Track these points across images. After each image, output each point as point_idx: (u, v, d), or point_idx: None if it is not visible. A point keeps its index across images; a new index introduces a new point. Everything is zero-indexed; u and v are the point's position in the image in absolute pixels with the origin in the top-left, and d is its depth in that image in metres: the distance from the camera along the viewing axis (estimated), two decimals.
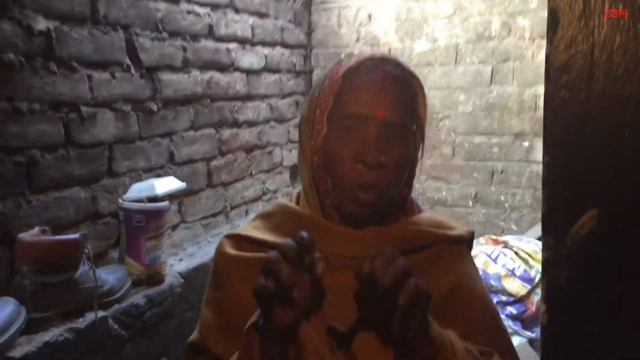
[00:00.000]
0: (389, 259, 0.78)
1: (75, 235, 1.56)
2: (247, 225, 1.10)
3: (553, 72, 1.10)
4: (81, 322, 1.58)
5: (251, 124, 2.77)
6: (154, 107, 2.09)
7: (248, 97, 2.74)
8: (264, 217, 1.10)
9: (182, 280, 1.98)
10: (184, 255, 2.19)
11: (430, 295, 0.81)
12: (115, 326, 1.69)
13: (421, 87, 1.02)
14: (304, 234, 0.79)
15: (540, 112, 2.93)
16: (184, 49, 2.26)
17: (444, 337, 0.87)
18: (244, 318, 0.93)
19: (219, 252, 1.08)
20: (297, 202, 1.10)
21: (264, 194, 2.91)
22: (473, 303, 1.03)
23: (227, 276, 1.05)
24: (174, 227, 2.26)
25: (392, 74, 0.98)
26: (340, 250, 0.99)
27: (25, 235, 1.53)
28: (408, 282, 0.77)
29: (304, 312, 0.86)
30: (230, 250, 1.05)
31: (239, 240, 1.06)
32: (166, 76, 2.16)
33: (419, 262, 1.02)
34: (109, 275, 1.73)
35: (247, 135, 2.74)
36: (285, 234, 0.81)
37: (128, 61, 1.97)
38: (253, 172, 2.81)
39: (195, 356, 1.06)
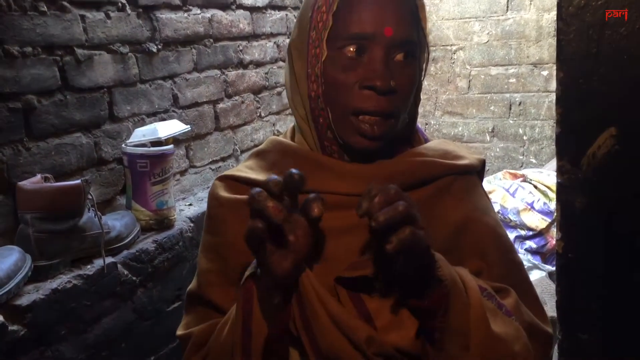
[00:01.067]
0: (390, 199, 0.71)
1: (77, 182, 1.52)
2: (241, 165, 1.04)
3: None
4: (89, 269, 1.56)
5: (258, 64, 2.69)
6: (154, 49, 2.02)
7: (253, 36, 2.64)
8: (258, 155, 1.03)
9: (192, 224, 1.95)
10: (194, 200, 2.16)
11: (427, 247, 0.76)
12: (126, 272, 1.67)
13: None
14: (294, 170, 0.73)
15: None
16: None
17: (454, 278, 0.82)
18: (242, 263, 0.90)
19: (212, 196, 1.01)
20: (292, 138, 1.02)
21: (274, 136, 2.85)
22: (485, 237, 0.96)
23: (222, 221, 0.99)
24: (183, 172, 2.23)
25: None
26: (344, 188, 0.92)
27: (26, 183, 1.50)
28: (403, 229, 0.71)
29: (304, 257, 0.81)
30: (224, 193, 0.99)
31: (232, 182, 1.00)
32: (165, 15, 2.07)
33: (428, 195, 0.96)
34: (116, 222, 1.70)
35: (254, 76, 2.66)
36: (282, 173, 0.74)
37: (123, 0, 1.89)
38: (262, 114, 2.75)
39: (194, 306, 1.02)
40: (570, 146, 1.04)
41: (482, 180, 1.08)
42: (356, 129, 0.88)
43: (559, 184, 1.07)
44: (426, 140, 1.05)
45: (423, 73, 0.97)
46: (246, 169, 1.02)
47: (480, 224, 0.97)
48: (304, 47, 0.91)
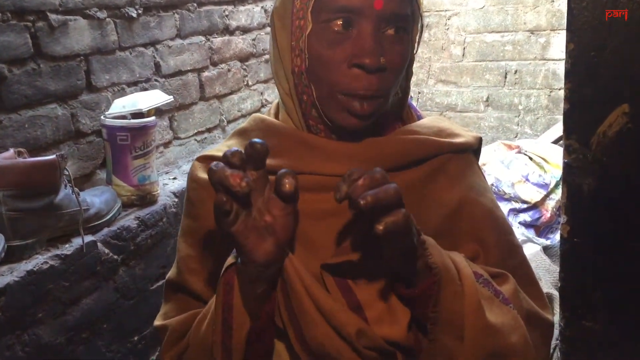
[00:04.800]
0: (376, 183, 0.66)
1: (52, 157, 1.44)
2: (222, 145, 0.97)
3: None
4: (67, 248, 1.49)
5: (245, 30, 2.57)
6: (133, 13, 1.90)
7: (240, 1, 2.52)
8: (240, 134, 0.96)
9: (176, 199, 1.87)
10: (178, 174, 2.07)
11: (416, 231, 0.72)
12: (106, 250, 1.60)
13: None
14: (256, 139, 0.67)
15: (558, 4, 2.69)
16: None
17: (447, 264, 0.76)
18: (223, 249, 0.84)
19: (191, 177, 0.94)
20: (277, 115, 0.95)
21: (262, 105, 2.76)
22: (482, 219, 0.90)
23: (201, 204, 0.92)
24: (167, 144, 2.14)
25: None
26: (332, 168, 0.85)
27: None
28: (396, 211, 0.66)
29: (285, 239, 0.74)
30: (203, 174, 0.92)
31: (212, 162, 0.93)
32: None
33: (421, 176, 0.90)
34: (95, 198, 1.62)
35: (240, 42, 2.55)
36: None
37: None
38: (250, 83, 2.65)
39: (174, 294, 0.95)
40: (579, 124, 0.98)
41: (478, 159, 1.02)
42: (344, 107, 0.81)
43: (565, 164, 1.00)
44: (419, 117, 0.98)
45: (416, 46, 0.89)
46: (227, 148, 0.94)
47: (477, 205, 0.91)
48: (287, 17, 0.83)
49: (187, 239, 0.96)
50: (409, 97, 0.98)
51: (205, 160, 0.95)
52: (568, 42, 0.94)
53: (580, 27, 0.92)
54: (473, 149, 0.97)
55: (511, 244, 0.95)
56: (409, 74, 0.92)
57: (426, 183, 0.90)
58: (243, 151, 0.68)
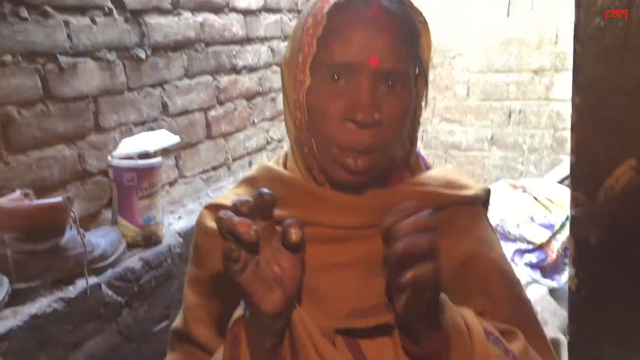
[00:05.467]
0: (421, 227, 0.67)
1: (58, 199, 1.44)
2: (230, 193, 0.97)
3: None
4: (71, 291, 1.48)
5: (251, 69, 2.60)
6: (142, 55, 1.93)
7: (247, 40, 2.56)
8: (248, 182, 0.96)
9: (181, 240, 1.87)
10: (183, 213, 2.08)
11: (438, 291, 0.72)
12: (110, 292, 1.59)
13: (424, 23, 0.85)
14: (264, 190, 0.68)
15: (562, 45, 2.72)
16: None
17: (458, 322, 0.75)
18: (230, 299, 0.83)
19: (199, 225, 0.94)
20: (285, 164, 0.95)
21: (268, 143, 2.77)
22: (491, 274, 0.90)
23: (208, 252, 0.92)
24: (172, 183, 2.14)
25: (389, 9, 0.80)
26: (337, 220, 0.85)
27: (4, 200, 1.41)
28: (426, 263, 0.66)
29: (294, 291, 0.74)
30: (211, 223, 0.92)
31: (220, 210, 0.93)
32: (154, 20, 1.99)
33: None
34: (100, 239, 1.62)
35: (247, 81, 2.58)
36: None
37: (110, 4, 1.80)
38: (255, 121, 2.67)
39: (180, 344, 0.95)
40: (585, 177, 0.97)
41: (487, 211, 1.02)
42: (339, 162, 0.81)
43: (572, 217, 1.00)
44: (427, 167, 0.98)
45: (424, 99, 0.90)
46: (235, 197, 0.95)
47: (486, 259, 0.91)
48: (292, 70, 0.84)
49: (194, 288, 0.95)
50: (416, 147, 0.98)
51: (214, 208, 0.95)
52: (574, 95, 0.95)
53: (587, 83, 0.93)
54: (482, 201, 0.97)
55: (520, 299, 0.94)
56: (415, 126, 0.92)
57: None
58: (247, 199, 0.68)
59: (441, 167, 1.00)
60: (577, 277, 1.00)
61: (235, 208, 0.67)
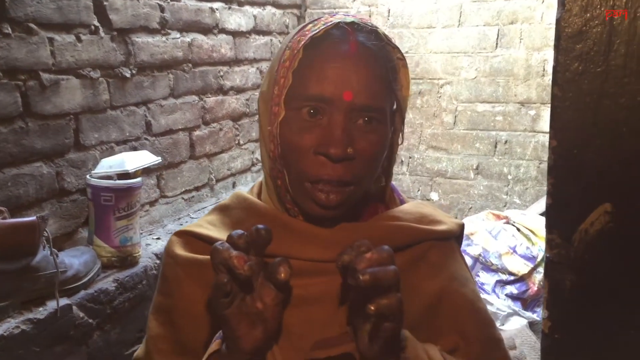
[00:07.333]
0: (382, 261, 0.66)
1: (32, 218, 1.41)
2: (202, 220, 0.95)
3: (565, 41, 0.93)
4: (41, 312, 1.45)
5: (239, 90, 2.60)
6: (127, 73, 1.92)
7: (235, 61, 2.56)
8: (221, 210, 0.94)
9: (157, 261, 1.84)
10: (162, 234, 2.05)
11: (401, 323, 0.70)
12: (81, 314, 1.56)
13: (402, 60, 0.85)
14: (261, 225, 0.67)
15: (549, 78, 2.74)
16: (161, 9, 2.07)
17: (421, 358, 0.74)
18: (197, 331, 0.82)
19: (167, 253, 0.92)
20: (259, 194, 0.94)
21: (253, 164, 2.76)
22: (463, 311, 0.89)
23: (177, 282, 0.89)
24: (153, 203, 2.12)
25: (365, 45, 0.80)
26: (307, 253, 0.84)
27: None
28: (392, 294, 0.66)
29: (275, 328, 0.72)
30: (181, 251, 0.90)
31: (190, 238, 0.91)
32: (141, 39, 1.98)
33: (402, 263, 0.88)
34: (74, 259, 1.59)
35: (234, 102, 2.57)
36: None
37: (96, 22, 1.79)
38: (241, 142, 2.66)
39: None
40: (561, 220, 0.97)
41: (460, 245, 1.01)
42: (310, 196, 0.80)
43: (548, 259, 0.99)
44: (402, 202, 0.97)
45: (401, 135, 0.89)
46: (207, 225, 0.93)
47: (458, 296, 0.90)
48: (267, 102, 0.83)
49: (158, 317, 0.92)
50: (391, 181, 0.97)
51: (184, 235, 0.93)
52: (551, 138, 0.95)
53: (564, 126, 0.93)
54: (455, 236, 0.96)
55: (493, 338, 0.93)
56: (391, 161, 0.92)
57: (406, 271, 0.88)
58: (243, 232, 0.68)
59: (415, 202, 0.99)
60: (551, 320, 0.99)
61: (232, 240, 0.66)
